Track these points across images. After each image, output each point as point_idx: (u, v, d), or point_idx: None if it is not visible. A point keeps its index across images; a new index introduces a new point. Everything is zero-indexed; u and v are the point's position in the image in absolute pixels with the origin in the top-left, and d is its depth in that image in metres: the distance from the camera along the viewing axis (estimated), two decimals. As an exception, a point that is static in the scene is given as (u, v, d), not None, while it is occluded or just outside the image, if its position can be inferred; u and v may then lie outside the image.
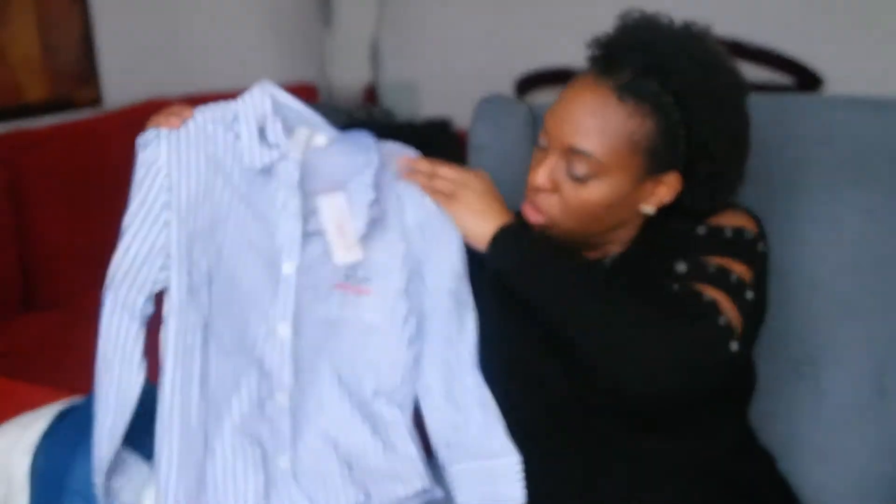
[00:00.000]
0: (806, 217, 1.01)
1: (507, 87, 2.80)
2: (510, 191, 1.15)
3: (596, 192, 0.83)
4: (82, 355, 1.58)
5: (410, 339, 0.88)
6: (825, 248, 0.99)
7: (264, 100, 0.88)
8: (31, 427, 0.94)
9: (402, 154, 0.93)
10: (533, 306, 0.83)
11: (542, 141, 0.87)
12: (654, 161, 0.82)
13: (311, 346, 0.85)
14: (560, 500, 0.88)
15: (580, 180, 0.83)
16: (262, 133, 0.86)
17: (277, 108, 0.88)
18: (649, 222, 0.90)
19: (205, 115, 0.87)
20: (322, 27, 3.30)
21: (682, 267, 0.82)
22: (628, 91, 0.80)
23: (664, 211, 0.89)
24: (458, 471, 0.87)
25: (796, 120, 1.02)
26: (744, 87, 0.85)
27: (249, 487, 0.81)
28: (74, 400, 1.02)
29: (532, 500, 0.87)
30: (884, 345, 0.97)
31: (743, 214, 0.88)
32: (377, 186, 0.87)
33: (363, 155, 0.89)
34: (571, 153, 0.83)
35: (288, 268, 0.85)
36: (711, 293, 0.78)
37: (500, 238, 0.84)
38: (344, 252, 0.86)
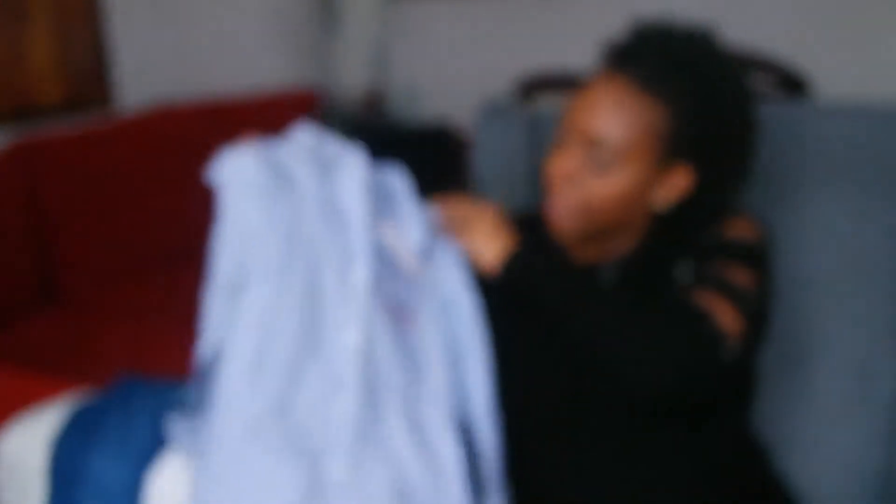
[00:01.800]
0: (797, 219, 1.02)
1: (509, 89, 2.82)
2: (511, 192, 1.17)
3: (613, 181, 0.84)
4: (97, 351, 1.62)
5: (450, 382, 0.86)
6: (815, 248, 1.01)
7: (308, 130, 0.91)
8: (47, 420, 0.96)
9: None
10: (546, 313, 0.85)
11: (561, 136, 0.89)
12: (669, 149, 0.84)
13: (382, 357, 0.83)
14: (557, 499, 0.89)
15: (599, 168, 0.84)
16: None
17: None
18: (657, 229, 0.91)
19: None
20: (327, 32, 3.32)
21: (685, 272, 0.84)
22: (646, 82, 0.83)
23: (674, 217, 0.90)
24: None
25: (788, 127, 1.04)
26: (750, 89, 0.88)
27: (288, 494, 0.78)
28: (89, 393, 1.04)
29: (530, 499, 0.89)
30: (870, 340, 0.99)
31: (749, 222, 0.89)
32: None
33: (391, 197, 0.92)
34: (591, 142, 0.84)
35: (361, 277, 0.82)
36: (709, 300, 0.80)
37: (513, 255, 0.87)
38: (409, 264, 0.88)
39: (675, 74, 0.83)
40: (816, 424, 1.01)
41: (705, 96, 0.83)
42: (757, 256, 0.86)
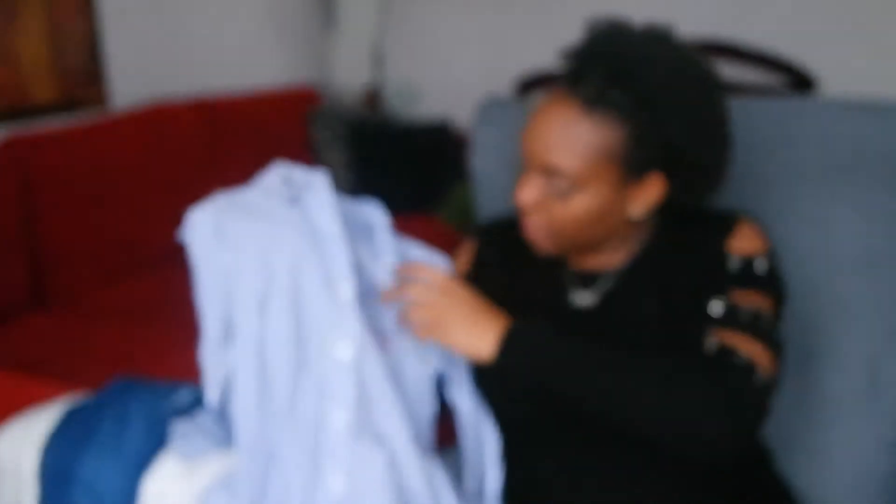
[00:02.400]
0: (801, 218, 1.01)
1: (506, 89, 2.81)
2: (510, 193, 1.15)
3: (578, 205, 0.85)
4: (90, 353, 1.61)
5: (423, 398, 0.89)
6: (820, 248, 1.00)
7: (278, 167, 0.91)
8: (40, 422, 0.95)
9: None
10: (567, 399, 0.81)
11: (523, 160, 0.89)
12: (630, 167, 0.83)
13: (372, 371, 0.84)
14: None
15: (561, 196, 0.85)
16: (286, 179, 0.91)
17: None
18: (661, 230, 0.92)
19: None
20: (325, 30, 3.31)
21: (716, 310, 0.83)
22: (594, 103, 0.81)
23: (672, 216, 0.90)
24: None
25: (791, 122, 1.03)
26: (713, 81, 0.86)
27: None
28: (82, 395, 1.03)
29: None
30: (878, 342, 0.97)
31: (757, 229, 0.89)
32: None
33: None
34: (548, 171, 0.84)
35: (345, 291, 0.84)
36: (747, 347, 0.80)
37: (506, 346, 0.82)
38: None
39: (625, 89, 0.81)
40: (822, 428, 1.00)
41: (661, 105, 0.81)
42: (778, 276, 0.86)
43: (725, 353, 0.79)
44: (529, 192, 0.87)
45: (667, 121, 0.82)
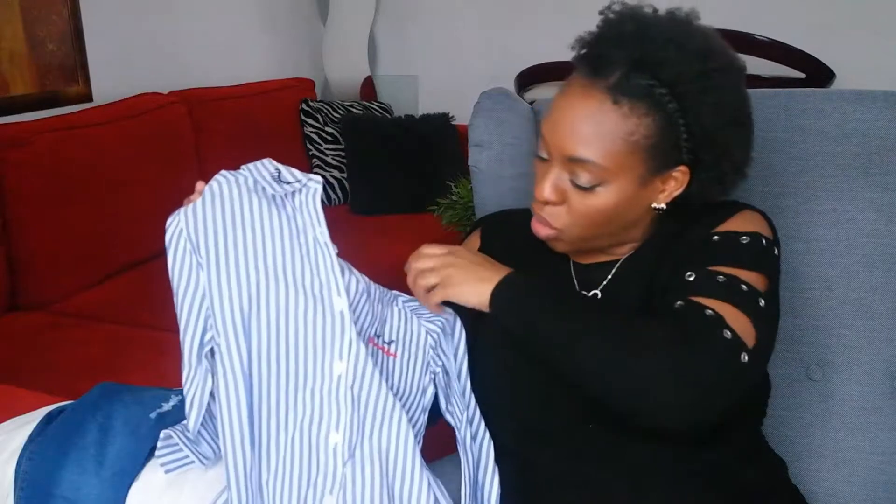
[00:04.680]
0: (816, 214, 0.98)
1: (505, 82, 2.78)
2: (510, 188, 1.13)
3: (604, 198, 0.82)
4: (67, 357, 1.56)
5: (424, 409, 0.87)
6: (836, 246, 0.97)
7: (270, 162, 0.86)
8: (17, 432, 0.92)
9: None
10: (540, 353, 0.81)
11: (542, 152, 0.86)
12: (657, 158, 0.81)
13: (370, 384, 0.81)
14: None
15: (586, 189, 0.82)
16: (277, 178, 0.85)
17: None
18: (664, 220, 0.89)
19: (216, 177, 0.84)
20: (318, 22, 3.28)
21: (691, 277, 0.80)
22: (621, 91, 0.79)
23: (679, 207, 0.88)
24: None
25: (806, 115, 1.00)
26: (737, 67, 0.84)
27: None
28: (61, 404, 0.99)
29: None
30: (897, 346, 0.96)
31: (757, 217, 0.86)
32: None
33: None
34: (573, 163, 0.82)
35: (339, 304, 0.80)
36: (717, 306, 0.76)
37: (496, 297, 0.83)
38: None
39: (652, 75, 0.78)
40: (841, 434, 0.97)
41: (690, 92, 0.79)
42: (766, 252, 0.83)
43: (691, 310, 0.76)
44: (550, 185, 0.84)
45: (696, 107, 0.79)
